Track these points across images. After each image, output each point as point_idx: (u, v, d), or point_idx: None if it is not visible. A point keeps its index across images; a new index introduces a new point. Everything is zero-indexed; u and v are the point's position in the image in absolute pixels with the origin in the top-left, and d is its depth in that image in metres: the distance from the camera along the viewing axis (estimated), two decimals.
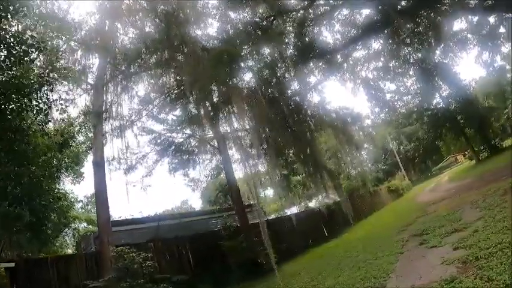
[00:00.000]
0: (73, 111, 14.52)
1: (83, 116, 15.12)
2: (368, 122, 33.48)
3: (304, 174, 14.46)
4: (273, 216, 26.48)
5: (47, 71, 11.16)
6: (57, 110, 11.84)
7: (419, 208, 15.38)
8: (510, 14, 19.25)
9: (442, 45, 24.74)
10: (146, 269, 9.29)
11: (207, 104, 14.23)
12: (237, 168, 15.77)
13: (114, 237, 11.33)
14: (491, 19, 23.20)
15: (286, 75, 16.24)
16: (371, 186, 35.50)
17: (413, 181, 48.12)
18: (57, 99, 11.41)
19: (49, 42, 11.26)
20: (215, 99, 14.69)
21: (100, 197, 11.41)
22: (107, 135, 13.10)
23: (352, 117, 15.44)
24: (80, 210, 25.05)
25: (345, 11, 19.59)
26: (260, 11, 16.09)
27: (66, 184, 18.42)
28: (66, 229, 20.57)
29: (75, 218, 20.78)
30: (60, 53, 12.59)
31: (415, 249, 7.57)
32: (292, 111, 13.60)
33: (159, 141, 16.26)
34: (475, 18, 23.13)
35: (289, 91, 15.09)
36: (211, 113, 14.66)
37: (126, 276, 8.78)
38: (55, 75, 11.43)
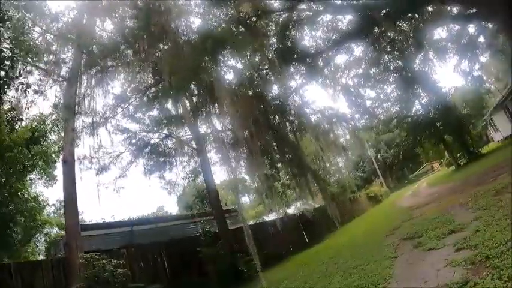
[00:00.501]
0: (46, 109, 13.43)
1: (55, 114, 14.02)
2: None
3: (288, 176, 13.73)
4: (251, 222, 25.68)
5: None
6: (24, 97, 10.68)
7: (403, 213, 15.05)
8: (490, 24, 19.67)
9: (422, 53, 25.22)
10: (118, 277, 8.53)
11: (186, 101, 13.46)
12: (216, 171, 15.01)
13: (84, 243, 10.36)
14: (471, 29, 23.87)
15: (269, 76, 15.77)
16: (350, 193, 35.59)
17: (391, 188, 48.65)
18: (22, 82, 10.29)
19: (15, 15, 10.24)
20: (195, 99, 13.99)
21: (69, 198, 10.37)
22: (78, 131, 12.04)
23: (337, 117, 14.98)
24: (52, 214, 23.70)
25: (328, 17, 19.40)
26: (244, 10, 15.59)
27: (39, 187, 17.21)
28: (38, 234, 19.48)
29: (45, 222, 19.43)
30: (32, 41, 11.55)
31: (410, 252, 7.04)
32: (276, 110, 13.00)
33: (134, 140, 15.28)
34: (455, 28, 23.70)
35: (271, 92, 14.50)
36: (191, 112, 13.90)
37: (95, 285, 8.08)
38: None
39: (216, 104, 12.18)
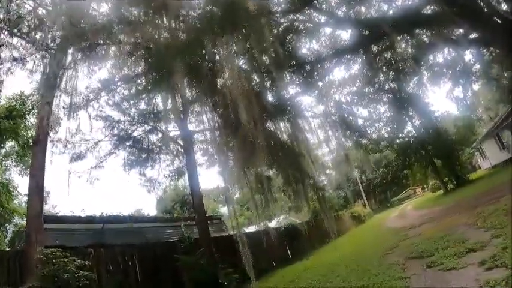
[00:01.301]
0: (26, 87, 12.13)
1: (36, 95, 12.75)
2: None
3: (284, 181, 12.72)
4: (231, 232, 24.54)
5: None
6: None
7: (395, 233, 14.31)
8: (492, 48, 19.68)
9: (417, 76, 25.23)
10: (80, 280, 7.31)
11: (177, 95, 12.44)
12: (202, 172, 13.93)
13: (47, 236, 9.21)
14: (467, 56, 24.08)
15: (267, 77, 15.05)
16: (334, 211, 34.88)
17: (373, 210, 48.40)
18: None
19: None
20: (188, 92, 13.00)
21: (34, 183, 8.97)
22: (55, 110, 10.80)
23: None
24: (24, 204, 22.04)
25: (328, 30, 19.06)
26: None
27: (14, 175, 15.72)
28: (7, 224, 18.07)
29: (13, 211, 17.72)
30: None
31: (424, 273, 6.14)
32: (275, 111, 12.11)
33: (116, 130, 13.99)
34: (452, 54, 23.85)
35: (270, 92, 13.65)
36: (181, 106, 12.90)
37: (52, 286, 6.93)
38: None
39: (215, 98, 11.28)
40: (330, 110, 23.75)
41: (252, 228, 28.64)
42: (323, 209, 11.85)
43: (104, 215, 12.19)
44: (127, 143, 14.11)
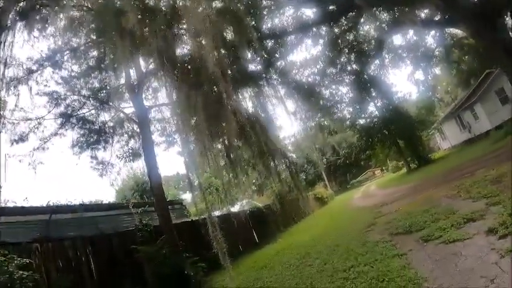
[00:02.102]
0: None
1: None
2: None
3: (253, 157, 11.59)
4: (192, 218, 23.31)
5: None
6: None
7: (367, 211, 13.86)
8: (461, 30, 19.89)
9: (379, 58, 25.23)
10: (23, 283, 5.80)
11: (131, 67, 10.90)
12: (160, 158, 12.47)
13: None
14: (428, 40, 24.39)
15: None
16: (302, 192, 34.46)
17: (334, 192, 49.17)
18: None
19: None
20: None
21: None
22: None
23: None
24: None
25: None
26: None
27: None
28: None
29: None
30: None
31: (422, 247, 5.42)
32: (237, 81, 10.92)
33: (62, 107, 12.02)
34: (413, 38, 24.06)
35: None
36: (136, 80, 11.37)
37: None
38: None
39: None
40: (291, 91, 23.09)
41: (216, 214, 27.58)
42: (297, 185, 10.97)
43: (51, 204, 10.31)
44: (75, 122, 12.23)
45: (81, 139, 12.86)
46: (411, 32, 23.76)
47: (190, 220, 14.41)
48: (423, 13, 20.26)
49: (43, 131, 11.91)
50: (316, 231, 13.59)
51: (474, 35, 19.07)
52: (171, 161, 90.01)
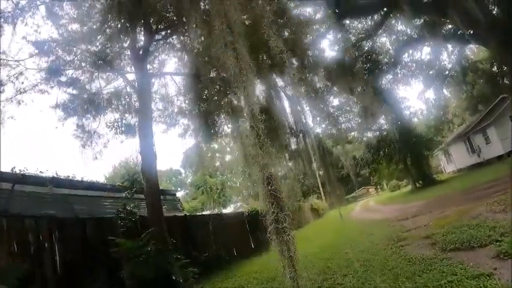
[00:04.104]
0: None
1: None
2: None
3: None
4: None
5: None
6: None
7: (380, 225, 12.38)
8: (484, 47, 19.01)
9: (394, 70, 24.47)
10: None
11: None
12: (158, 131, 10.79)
13: None
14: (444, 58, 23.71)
15: None
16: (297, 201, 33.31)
17: (329, 204, 47.72)
18: None
19: None
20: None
21: None
22: None
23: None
24: None
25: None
26: None
27: None
28: None
29: None
30: None
31: (507, 265, 3.94)
32: None
33: (51, 59, 10.22)
34: (427, 56, 23.37)
35: None
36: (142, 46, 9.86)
37: None
38: None
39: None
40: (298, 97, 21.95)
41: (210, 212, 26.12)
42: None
43: (17, 171, 8.43)
44: (64, 80, 10.43)
45: (69, 104, 11.06)
46: (426, 49, 23.20)
47: (184, 215, 12.70)
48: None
49: (23, 82, 10.08)
50: (323, 242, 12.00)
51: (498, 51, 18.16)
52: (165, 156, 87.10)
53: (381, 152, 27.55)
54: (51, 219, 7.36)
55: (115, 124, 11.22)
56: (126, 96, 11.69)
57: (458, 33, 18.75)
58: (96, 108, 11.08)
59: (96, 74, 11.05)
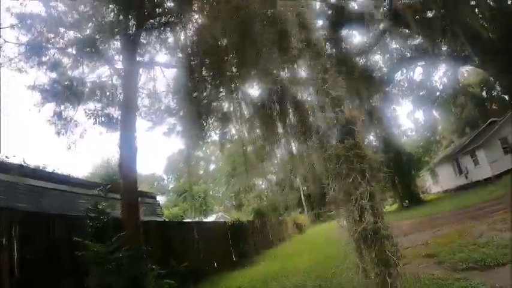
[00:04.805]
0: None
1: None
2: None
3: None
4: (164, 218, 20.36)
5: None
6: None
7: None
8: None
9: (387, 88, 24.43)
10: None
11: None
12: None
13: None
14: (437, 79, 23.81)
15: None
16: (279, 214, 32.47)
17: (311, 220, 47.04)
18: None
19: None
20: None
21: None
22: None
23: None
24: None
25: None
26: None
27: None
28: None
29: None
30: None
31: None
32: None
33: (34, 35, 9.26)
34: (420, 77, 23.47)
35: None
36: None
37: None
38: None
39: None
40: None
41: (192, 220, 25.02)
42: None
43: None
44: (46, 61, 9.47)
45: (48, 88, 10.08)
46: (418, 69, 23.24)
47: (163, 220, 11.73)
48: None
49: None
50: (313, 258, 11.23)
51: (496, 74, 18.26)
52: (148, 160, 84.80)
53: None
54: (12, 212, 6.40)
55: (95, 113, 10.21)
56: (112, 89, 10.79)
57: (455, 54, 18.74)
58: (77, 96, 10.12)
59: (82, 60, 10.15)
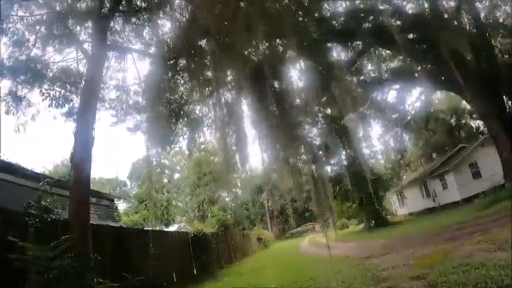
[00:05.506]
0: None
1: None
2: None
3: None
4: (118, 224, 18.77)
5: None
6: None
7: (342, 262, 11.05)
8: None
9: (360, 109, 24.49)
10: None
11: None
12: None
13: None
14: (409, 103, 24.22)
15: None
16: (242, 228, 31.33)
17: (275, 237, 46.41)
18: None
19: None
20: None
21: None
22: None
23: None
24: None
25: None
26: None
27: None
28: None
29: None
30: None
31: None
32: None
33: None
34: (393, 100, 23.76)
35: None
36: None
37: None
38: None
39: None
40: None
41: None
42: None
43: None
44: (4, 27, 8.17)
45: (5, 63, 8.75)
46: (392, 92, 23.50)
47: (119, 226, 10.45)
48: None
49: None
50: (281, 276, 10.41)
51: (473, 100, 18.70)
52: (112, 163, 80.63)
53: (337, 188, 26.94)
54: None
55: (52, 94, 8.91)
56: (76, 73, 9.61)
57: (432, 78, 18.95)
58: (38, 76, 8.84)
59: (50, 40, 8.98)
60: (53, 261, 5.50)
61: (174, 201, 49.90)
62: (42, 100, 8.90)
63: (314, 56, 8.94)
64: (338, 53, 18.81)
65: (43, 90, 8.86)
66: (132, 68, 11.47)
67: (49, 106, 8.90)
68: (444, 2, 16.37)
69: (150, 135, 13.10)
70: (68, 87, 9.36)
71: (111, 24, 9.08)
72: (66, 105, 9.01)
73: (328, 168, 27.85)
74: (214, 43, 7.98)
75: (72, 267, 5.62)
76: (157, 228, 30.32)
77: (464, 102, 27.92)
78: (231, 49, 8.14)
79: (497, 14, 17.13)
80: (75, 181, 6.70)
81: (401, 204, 32.62)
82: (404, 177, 34.69)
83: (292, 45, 8.08)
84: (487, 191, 18.51)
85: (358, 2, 15.36)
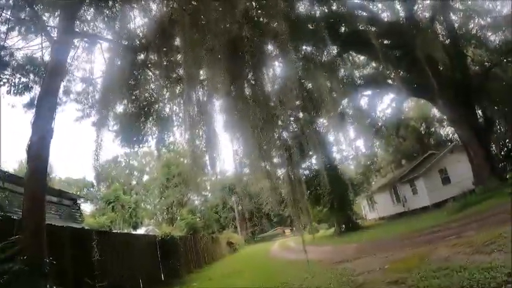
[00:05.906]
0: None
1: None
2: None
3: None
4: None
5: None
6: None
7: (316, 267, 10.83)
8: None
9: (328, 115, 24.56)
10: None
11: None
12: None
13: None
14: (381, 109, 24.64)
15: None
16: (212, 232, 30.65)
17: (245, 240, 45.97)
18: None
19: None
20: None
21: None
22: None
23: None
24: None
25: None
26: None
27: None
28: None
29: None
30: None
31: None
32: None
33: None
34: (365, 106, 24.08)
35: None
36: None
37: None
38: None
39: None
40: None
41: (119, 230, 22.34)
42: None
43: None
44: None
45: None
46: (364, 98, 23.84)
47: (81, 228, 9.68)
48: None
49: None
50: (252, 281, 10.05)
51: (445, 107, 19.31)
52: (78, 164, 76.60)
53: (308, 192, 26.94)
54: None
55: (10, 79, 8.09)
56: (40, 61, 8.84)
57: (405, 84, 19.33)
58: None
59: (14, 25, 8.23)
60: (1, 265, 4.93)
61: (142, 204, 48.41)
62: (0, 86, 8.08)
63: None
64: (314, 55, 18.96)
65: (1, 76, 8.03)
66: (101, 59, 10.85)
67: (7, 93, 8.09)
68: (419, 12, 16.94)
69: (117, 133, 12.44)
70: (32, 76, 8.58)
71: (81, 12, 8.50)
72: (25, 92, 8.21)
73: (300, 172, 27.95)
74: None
75: (22, 272, 5.01)
76: (125, 230, 29.08)
77: (434, 110, 28.90)
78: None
79: (470, 26, 17.82)
80: (31, 175, 6.03)
81: (372, 209, 33.14)
82: (373, 182, 35.40)
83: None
84: (457, 196, 19.03)
85: (335, 7, 15.43)
